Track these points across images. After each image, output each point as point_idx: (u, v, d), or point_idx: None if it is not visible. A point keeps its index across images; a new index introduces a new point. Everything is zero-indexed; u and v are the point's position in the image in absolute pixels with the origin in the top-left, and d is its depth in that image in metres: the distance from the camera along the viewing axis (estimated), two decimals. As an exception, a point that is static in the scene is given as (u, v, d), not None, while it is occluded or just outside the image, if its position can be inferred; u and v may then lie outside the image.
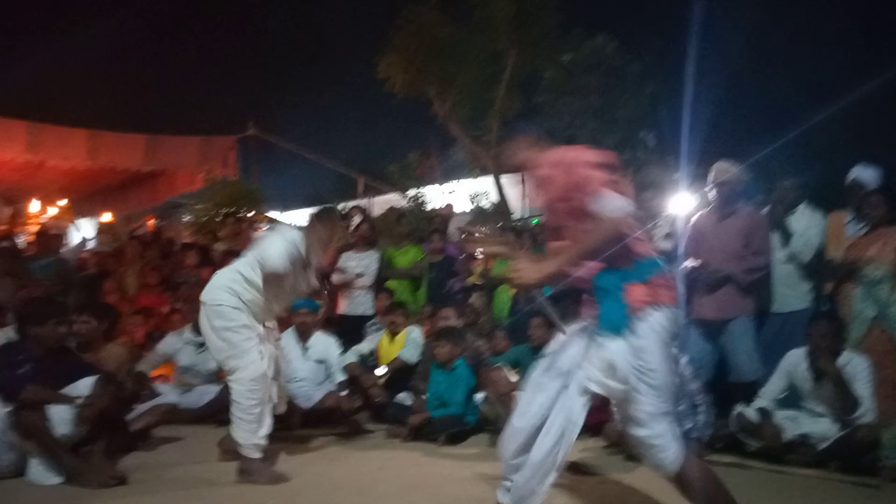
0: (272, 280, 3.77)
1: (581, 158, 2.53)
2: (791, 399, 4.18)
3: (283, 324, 6.06)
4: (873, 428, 3.79)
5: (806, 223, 4.56)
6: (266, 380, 3.76)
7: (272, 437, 4.72)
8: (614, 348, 2.41)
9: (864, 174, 4.62)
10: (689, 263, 4.63)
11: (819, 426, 3.97)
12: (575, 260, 2.54)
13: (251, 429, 3.68)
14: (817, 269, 4.60)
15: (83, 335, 4.50)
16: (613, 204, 2.41)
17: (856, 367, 3.91)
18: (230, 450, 3.91)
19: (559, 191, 2.59)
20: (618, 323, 2.42)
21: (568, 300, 6.16)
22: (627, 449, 4.15)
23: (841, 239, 4.61)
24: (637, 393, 2.39)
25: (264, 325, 3.93)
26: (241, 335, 3.69)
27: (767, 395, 4.16)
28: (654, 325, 2.39)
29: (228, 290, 3.75)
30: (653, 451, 2.43)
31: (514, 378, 4.73)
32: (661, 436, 2.39)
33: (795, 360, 4.10)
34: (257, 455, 3.71)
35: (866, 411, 3.80)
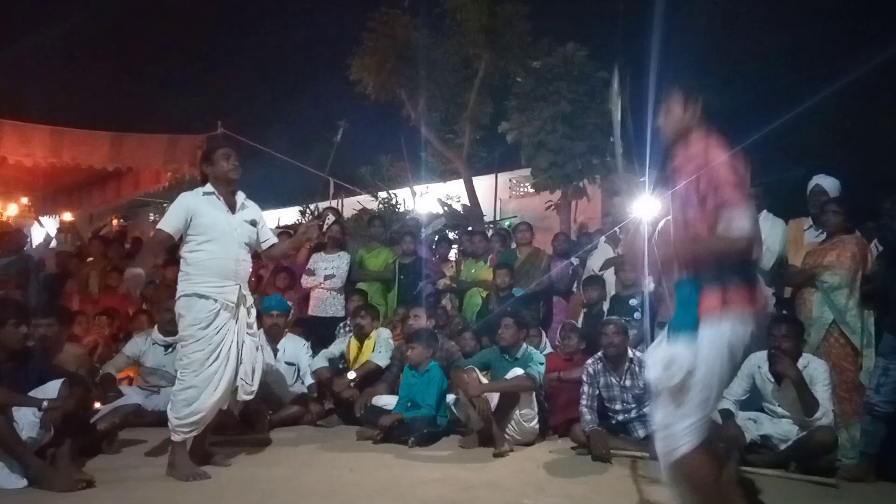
0: (201, 239, 3.86)
1: (728, 175, 2.54)
2: (752, 401, 4.30)
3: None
4: (832, 429, 3.93)
5: (767, 230, 4.69)
6: (207, 365, 3.76)
7: (242, 439, 4.73)
8: (676, 347, 2.56)
9: (825, 183, 4.77)
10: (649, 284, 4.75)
11: (780, 427, 4.08)
12: (691, 255, 2.68)
13: (178, 406, 3.75)
14: (778, 274, 4.74)
15: (48, 338, 4.41)
16: (739, 226, 2.49)
17: (815, 370, 4.04)
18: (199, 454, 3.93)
19: (694, 189, 2.64)
20: (685, 328, 2.56)
21: (537, 303, 6.30)
22: (595, 450, 4.24)
23: (800, 246, 4.76)
24: (687, 390, 2.52)
25: (238, 306, 3.93)
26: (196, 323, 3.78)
27: (729, 397, 4.26)
28: (721, 329, 2.51)
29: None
30: (667, 434, 2.55)
31: (484, 380, 4.78)
32: (681, 432, 2.51)
33: (757, 363, 4.21)
34: (178, 438, 3.75)
35: (825, 413, 3.92)
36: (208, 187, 3.98)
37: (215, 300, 3.80)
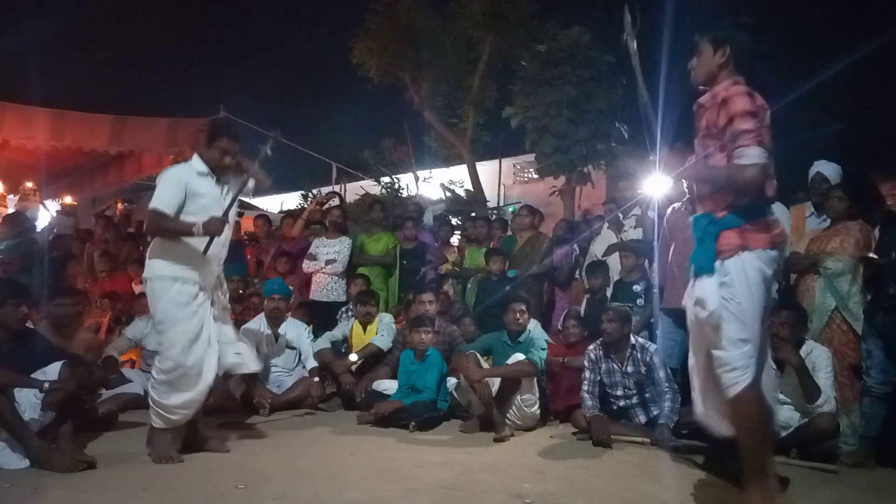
0: (193, 220, 3.60)
1: (744, 109, 2.69)
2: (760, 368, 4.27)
3: (256, 310, 6.05)
4: (833, 416, 3.92)
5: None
6: (193, 346, 3.59)
7: (243, 422, 4.75)
8: (703, 284, 2.75)
9: (826, 169, 4.73)
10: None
11: (781, 414, 4.06)
12: (701, 178, 2.90)
13: (164, 393, 3.61)
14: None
15: (64, 317, 4.43)
16: (750, 154, 2.65)
17: (817, 357, 4.02)
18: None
19: (714, 126, 2.80)
20: (705, 264, 2.76)
21: (540, 287, 6.28)
22: (596, 435, 4.24)
23: (801, 233, 4.72)
24: (721, 320, 2.71)
25: (209, 287, 3.75)
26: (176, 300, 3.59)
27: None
28: (743, 265, 2.70)
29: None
30: (725, 371, 2.74)
31: (485, 365, 4.78)
32: (736, 359, 2.71)
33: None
34: (159, 423, 3.62)
35: (826, 400, 3.91)
36: (201, 165, 3.73)
37: (193, 283, 3.63)
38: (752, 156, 2.65)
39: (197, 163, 3.75)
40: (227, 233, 3.80)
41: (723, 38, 2.91)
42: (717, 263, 2.75)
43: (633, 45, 3.20)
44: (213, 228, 3.55)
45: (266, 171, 3.96)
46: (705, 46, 2.92)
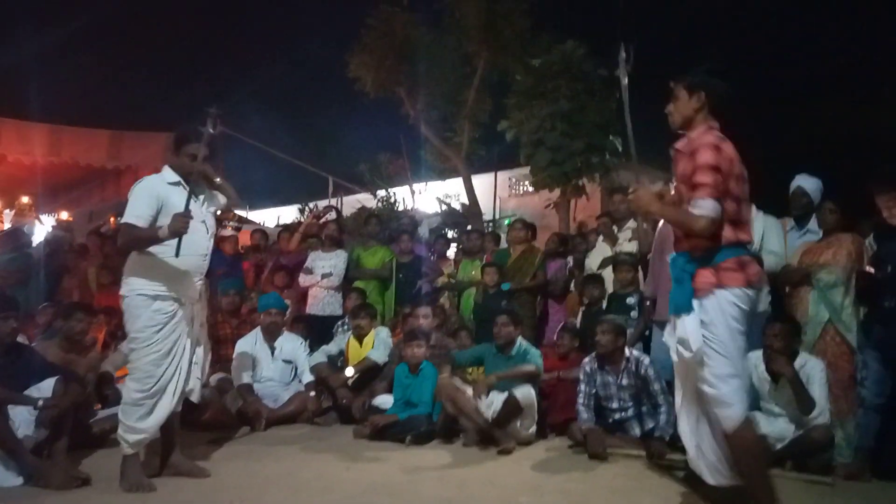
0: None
1: (706, 163, 2.78)
2: (749, 400, 4.28)
3: (252, 324, 6.04)
4: (828, 428, 3.93)
5: (760, 227, 4.65)
6: (161, 372, 3.46)
7: (239, 436, 4.74)
8: (684, 324, 2.81)
9: (806, 183, 4.75)
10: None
11: (776, 426, 4.08)
12: (671, 221, 3.00)
13: (129, 415, 3.45)
14: (775, 273, 4.73)
15: (80, 332, 4.44)
16: (704, 210, 2.75)
17: (812, 368, 4.03)
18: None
19: (684, 173, 2.89)
20: (683, 304, 2.82)
21: (534, 300, 6.30)
22: (591, 448, 4.24)
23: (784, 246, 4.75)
24: (706, 357, 2.78)
25: (188, 302, 3.62)
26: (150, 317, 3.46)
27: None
28: (720, 303, 2.77)
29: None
30: (719, 407, 2.80)
31: (459, 382, 4.81)
32: (727, 395, 2.77)
33: (753, 362, 4.20)
34: (129, 451, 3.44)
35: (821, 412, 3.92)
36: (172, 176, 3.59)
37: (174, 299, 3.51)
38: (704, 208, 2.74)
39: (167, 173, 3.62)
40: (207, 242, 3.68)
41: (698, 83, 2.95)
42: (695, 303, 2.82)
43: (625, 80, 3.27)
44: (176, 226, 3.38)
45: (215, 156, 3.87)
46: (680, 92, 2.98)
